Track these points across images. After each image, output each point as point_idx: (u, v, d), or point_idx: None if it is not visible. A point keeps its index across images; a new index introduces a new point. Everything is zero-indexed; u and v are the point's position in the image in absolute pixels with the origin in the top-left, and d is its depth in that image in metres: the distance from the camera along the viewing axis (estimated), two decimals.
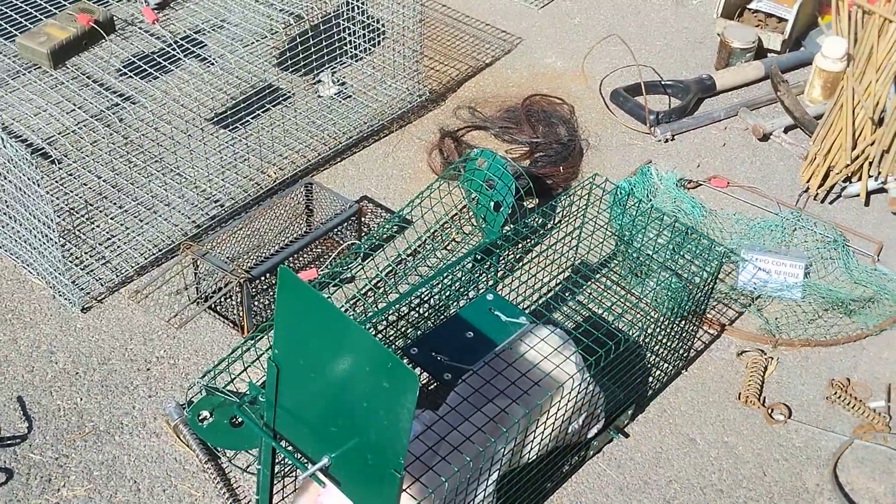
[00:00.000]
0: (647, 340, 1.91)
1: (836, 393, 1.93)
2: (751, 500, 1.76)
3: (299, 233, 2.26)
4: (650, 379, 1.96)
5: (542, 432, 1.56)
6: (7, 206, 2.07)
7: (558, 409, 1.54)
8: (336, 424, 1.19)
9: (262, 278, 2.00)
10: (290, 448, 1.30)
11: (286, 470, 1.62)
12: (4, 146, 1.82)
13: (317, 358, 1.16)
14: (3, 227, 2.14)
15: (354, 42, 2.82)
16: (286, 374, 1.22)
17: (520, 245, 2.21)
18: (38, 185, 1.84)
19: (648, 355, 1.95)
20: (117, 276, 2.14)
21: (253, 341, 1.66)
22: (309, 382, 1.20)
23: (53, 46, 2.12)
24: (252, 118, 2.54)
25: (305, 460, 1.26)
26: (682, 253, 2.01)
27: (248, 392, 1.42)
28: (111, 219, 2.28)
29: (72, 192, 2.33)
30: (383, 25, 2.87)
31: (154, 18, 2.26)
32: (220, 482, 1.70)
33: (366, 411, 1.12)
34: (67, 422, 1.81)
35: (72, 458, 1.75)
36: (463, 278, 1.96)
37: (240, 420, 1.51)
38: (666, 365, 1.97)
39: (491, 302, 1.76)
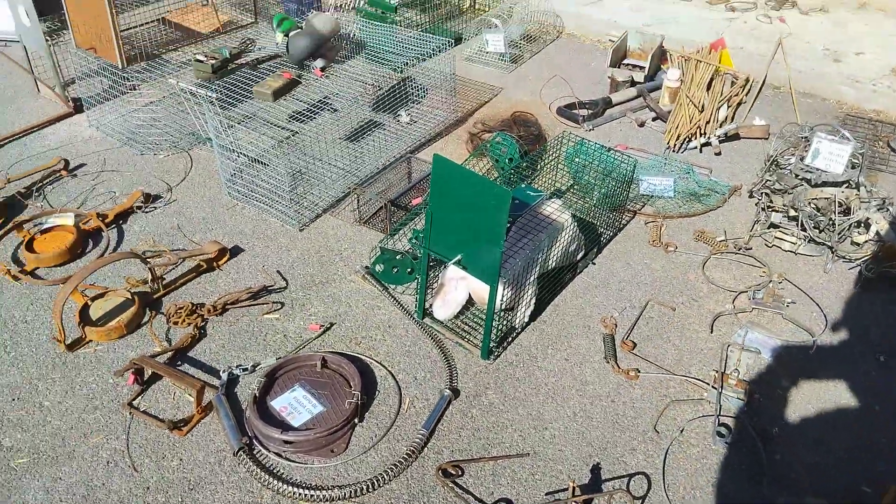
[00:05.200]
0: (596, 218, 3.58)
1: (697, 236, 3.58)
2: (661, 286, 3.34)
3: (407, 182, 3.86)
4: (603, 237, 3.57)
5: (556, 251, 3.09)
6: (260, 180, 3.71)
7: (563, 237, 3.08)
8: (464, 235, 2.61)
9: (396, 201, 3.56)
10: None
11: (430, 281, 3.11)
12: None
13: (454, 200, 2.61)
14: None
15: (415, 93, 4.59)
16: (436, 217, 2.70)
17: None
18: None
19: (598, 224, 3.59)
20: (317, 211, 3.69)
21: (396, 233, 3.26)
22: (449, 216, 2.66)
23: (274, 89, 3.92)
24: (365, 136, 4.26)
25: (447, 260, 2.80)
26: (611, 175, 3.64)
27: (412, 237, 3.05)
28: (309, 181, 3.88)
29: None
30: (429, 84, 4.67)
31: (320, 75, 3.97)
32: (394, 299, 3.20)
33: (482, 220, 2.51)
34: (305, 280, 3.30)
35: (310, 296, 3.23)
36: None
37: (395, 268, 3.11)
38: (609, 231, 3.60)
39: (525, 188, 3.33)
